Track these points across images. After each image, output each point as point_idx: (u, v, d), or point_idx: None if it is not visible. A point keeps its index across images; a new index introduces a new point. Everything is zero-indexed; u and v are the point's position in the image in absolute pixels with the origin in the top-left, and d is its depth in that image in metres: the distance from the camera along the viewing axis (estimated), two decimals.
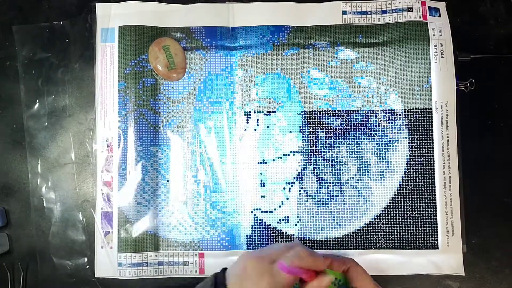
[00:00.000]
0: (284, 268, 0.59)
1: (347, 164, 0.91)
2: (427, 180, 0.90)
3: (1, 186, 0.93)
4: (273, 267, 0.60)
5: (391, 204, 0.90)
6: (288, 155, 0.92)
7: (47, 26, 0.94)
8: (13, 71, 0.94)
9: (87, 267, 0.90)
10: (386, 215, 0.90)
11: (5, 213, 0.91)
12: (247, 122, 0.92)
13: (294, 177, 0.91)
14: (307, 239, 0.90)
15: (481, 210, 0.91)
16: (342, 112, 0.92)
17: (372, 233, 0.90)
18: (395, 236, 0.89)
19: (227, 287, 0.63)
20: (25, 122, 0.92)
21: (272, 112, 0.92)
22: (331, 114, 0.92)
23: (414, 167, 0.90)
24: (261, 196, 0.91)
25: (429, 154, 0.90)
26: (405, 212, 0.90)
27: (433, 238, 0.89)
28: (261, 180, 0.91)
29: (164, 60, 0.90)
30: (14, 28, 0.94)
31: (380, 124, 0.91)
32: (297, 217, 0.90)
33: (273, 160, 0.91)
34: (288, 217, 0.90)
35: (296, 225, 0.90)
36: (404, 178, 0.90)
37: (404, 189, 0.90)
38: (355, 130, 0.91)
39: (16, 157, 0.93)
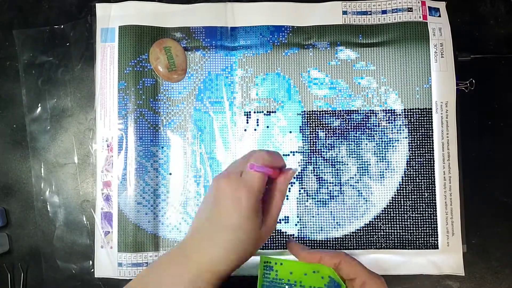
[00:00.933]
0: (253, 167, 0.60)
1: (347, 164, 0.91)
2: (427, 180, 0.90)
3: (1, 186, 0.93)
4: (242, 177, 0.61)
5: (391, 204, 0.90)
6: (288, 155, 0.92)
7: (48, 29, 0.94)
8: (13, 71, 0.94)
9: (89, 267, 0.90)
10: (386, 215, 0.90)
11: (5, 213, 0.91)
12: (247, 122, 0.92)
13: (294, 177, 0.91)
14: (307, 239, 0.90)
15: (481, 210, 0.91)
16: (342, 112, 0.92)
17: (372, 233, 0.90)
18: (395, 236, 0.89)
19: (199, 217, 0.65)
20: (25, 122, 0.92)
21: (272, 112, 0.92)
22: (331, 114, 0.92)
23: (414, 167, 0.90)
24: None
25: (429, 154, 0.90)
26: (405, 212, 0.90)
27: (433, 238, 0.89)
28: None
29: (165, 61, 0.90)
30: (15, 33, 0.94)
31: (380, 124, 0.91)
32: (297, 217, 0.90)
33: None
34: (288, 217, 0.90)
35: (296, 225, 0.90)
36: (404, 178, 0.90)
37: (404, 189, 0.90)
38: (355, 130, 0.91)
39: (16, 157, 0.93)
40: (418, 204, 0.90)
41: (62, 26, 0.95)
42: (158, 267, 0.63)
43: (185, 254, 0.63)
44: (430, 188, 0.90)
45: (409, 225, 0.89)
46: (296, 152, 0.91)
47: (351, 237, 0.90)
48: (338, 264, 0.65)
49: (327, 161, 0.91)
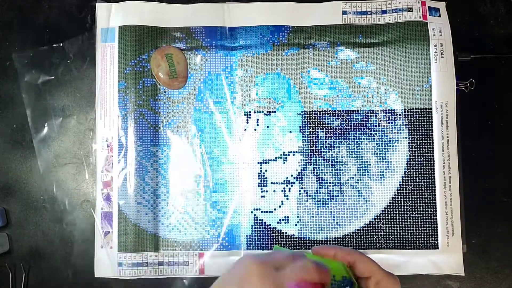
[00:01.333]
0: (300, 286, 0.56)
1: (347, 164, 0.91)
2: (427, 180, 0.90)
3: (1, 186, 0.93)
4: (277, 275, 0.57)
5: (391, 204, 0.90)
6: (288, 155, 0.92)
7: (48, 49, 0.95)
8: (13, 71, 0.94)
9: (89, 267, 0.90)
10: (386, 215, 0.90)
11: (5, 213, 0.91)
12: (247, 122, 0.92)
13: (294, 177, 0.91)
14: (307, 239, 0.90)
15: (481, 210, 0.91)
16: (342, 112, 0.92)
17: (372, 233, 0.90)
18: (395, 236, 0.89)
19: None
20: (25, 122, 0.92)
21: (272, 112, 0.92)
22: (331, 114, 0.92)
23: (414, 167, 0.90)
24: (261, 196, 0.91)
25: (429, 154, 0.90)
26: (405, 212, 0.90)
27: (433, 238, 0.89)
28: (261, 180, 0.91)
29: (166, 68, 0.90)
30: (14, 56, 0.94)
31: (380, 124, 0.91)
32: (297, 217, 0.90)
33: (273, 160, 0.91)
34: (288, 217, 0.90)
35: (296, 225, 0.90)
36: (404, 178, 0.90)
37: (404, 189, 0.90)
38: (355, 130, 0.91)
39: (16, 157, 0.93)
40: (418, 204, 0.90)
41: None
42: None
43: None
44: (430, 188, 0.90)
45: (409, 225, 0.89)
46: (296, 152, 0.91)
47: (351, 237, 0.90)
48: (353, 263, 0.65)
49: (327, 161, 0.91)
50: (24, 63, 0.94)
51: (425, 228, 0.89)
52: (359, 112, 0.92)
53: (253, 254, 0.61)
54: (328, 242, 0.89)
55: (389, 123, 0.91)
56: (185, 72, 0.92)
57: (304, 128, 0.92)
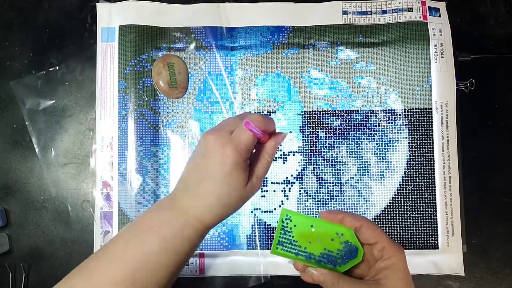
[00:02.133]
0: (248, 125, 0.61)
1: (347, 164, 0.91)
2: (427, 180, 0.90)
3: (1, 186, 0.93)
4: (232, 135, 0.62)
5: (391, 204, 0.90)
6: (288, 155, 0.92)
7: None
8: (13, 71, 0.94)
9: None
10: (386, 215, 0.90)
11: (5, 213, 0.91)
12: None
13: (294, 177, 0.91)
14: None
15: (481, 210, 0.91)
16: (342, 112, 0.92)
17: None
18: (395, 236, 0.89)
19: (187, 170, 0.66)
20: (25, 122, 0.92)
21: (272, 112, 0.92)
22: (331, 114, 0.92)
23: (414, 167, 0.90)
24: (261, 196, 0.91)
25: (429, 154, 0.90)
26: (405, 212, 0.90)
27: (433, 238, 0.89)
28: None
29: (167, 77, 0.90)
30: (13, 84, 0.94)
31: (380, 124, 0.91)
32: None
33: (273, 160, 0.91)
34: None
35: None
36: (404, 178, 0.90)
37: (404, 189, 0.90)
38: (355, 130, 0.91)
39: (16, 157, 0.93)
40: (418, 204, 0.90)
41: (62, 26, 0.95)
42: (149, 213, 0.65)
43: (173, 202, 0.64)
44: (430, 188, 0.90)
45: (409, 225, 0.89)
46: (296, 152, 0.91)
47: None
48: (360, 227, 0.65)
49: (327, 161, 0.91)
50: (24, 63, 0.94)
51: (425, 228, 0.89)
52: (359, 112, 0.92)
53: (207, 130, 0.66)
54: None
55: (389, 123, 0.91)
56: (185, 82, 0.92)
57: (304, 128, 0.92)
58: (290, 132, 0.92)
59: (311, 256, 0.66)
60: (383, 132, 0.91)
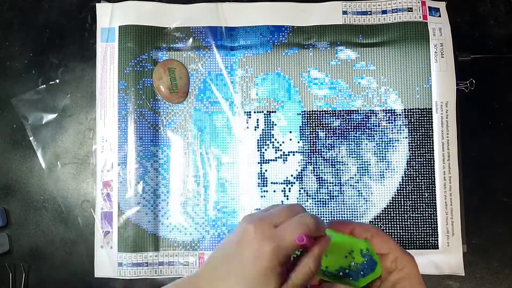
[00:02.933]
0: (301, 239, 0.55)
1: (347, 164, 0.91)
2: (427, 180, 0.90)
3: (1, 186, 0.93)
4: (276, 231, 0.57)
5: (391, 204, 0.90)
6: (288, 155, 0.92)
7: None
8: (13, 71, 0.94)
9: (89, 267, 0.90)
10: (386, 215, 0.90)
11: (5, 213, 0.91)
12: (247, 122, 0.92)
13: (294, 177, 0.91)
14: None
15: (481, 210, 0.91)
16: (342, 112, 0.92)
17: None
18: (395, 236, 0.89)
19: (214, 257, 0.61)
20: (25, 122, 0.92)
21: (272, 112, 0.92)
22: (331, 114, 0.92)
23: (414, 167, 0.90)
24: (261, 196, 0.91)
25: (429, 154, 0.90)
26: (405, 212, 0.90)
27: (433, 238, 0.89)
28: (261, 180, 0.91)
29: (168, 82, 0.90)
30: (13, 101, 0.94)
31: (380, 124, 0.91)
32: None
33: (273, 160, 0.91)
34: None
35: None
36: (404, 178, 0.90)
37: (404, 189, 0.90)
38: (355, 130, 0.91)
39: (16, 157, 0.93)
40: (418, 204, 0.90)
41: (62, 26, 0.95)
42: None
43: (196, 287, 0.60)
44: (430, 188, 0.90)
45: (409, 225, 0.89)
46: (296, 152, 0.91)
47: None
48: (371, 238, 0.64)
49: (327, 161, 0.91)
50: (24, 63, 0.94)
51: (425, 228, 0.89)
52: (359, 112, 0.92)
53: (250, 214, 0.60)
54: None
55: (389, 123, 0.91)
56: (186, 87, 0.92)
57: (304, 128, 0.92)
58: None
59: (328, 270, 0.65)
60: (383, 132, 0.91)
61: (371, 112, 0.91)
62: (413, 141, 0.91)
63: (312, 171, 0.91)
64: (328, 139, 0.91)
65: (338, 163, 0.91)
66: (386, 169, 0.91)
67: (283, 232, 0.56)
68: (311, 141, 0.92)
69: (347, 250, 0.65)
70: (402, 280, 0.62)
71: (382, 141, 0.91)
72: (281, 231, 0.57)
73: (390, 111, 0.91)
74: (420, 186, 0.90)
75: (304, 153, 0.92)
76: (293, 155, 0.92)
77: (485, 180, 0.92)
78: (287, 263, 0.58)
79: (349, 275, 0.64)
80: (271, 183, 0.91)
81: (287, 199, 0.91)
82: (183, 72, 0.92)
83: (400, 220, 0.90)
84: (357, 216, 0.90)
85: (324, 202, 0.91)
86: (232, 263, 0.58)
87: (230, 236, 0.61)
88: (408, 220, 0.89)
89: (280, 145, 0.92)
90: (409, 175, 0.90)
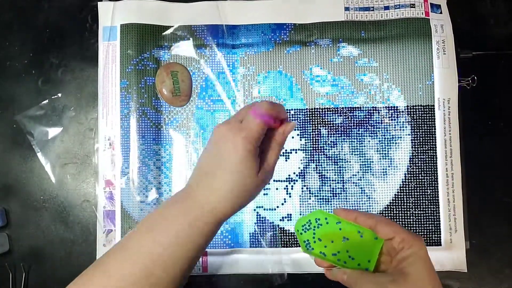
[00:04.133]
0: (256, 114, 0.62)
1: (350, 162, 0.91)
2: (430, 177, 0.90)
3: (1, 186, 0.92)
4: (242, 124, 0.63)
5: (394, 201, 0.90)
6: (291, 152, 0.92)
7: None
8: (13, 71, 0.94)
9: (88, 265, 0.89)
10: (389, 212, 0.90)
11: (4, 213, 0.91)
12: None
13: (297, 175, 0.91)
14: None
15: (481, 210, 0.91)
16: (344, 109, 0.92)
17: None
18: None
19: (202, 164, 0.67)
20: (25, 122, 0.92)
21: None
22: (334, 112, 0.92)
23: (416, 164, 0.90)
24: (264, 194, 0.91)
25: (431, 151, 0.90)
26: (408, 209, 0.90)
27: (436, 235, 0.89)
28: None
29: (170, 86, 0.90)
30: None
31: (382, 121, 0.91)
32: (300, 214, 0.90)
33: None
34: (290, 214, 0.90)
35: None
36: (406, 175, 0.90)
37: (407, 186, 0.90)
38: (357, 127, 0.91)
39: (16, 157, 0.92)
40: (421, 201, 0.90)
41: (62, 26, 0.95)
42: (163, 208, 0.65)
43: (188, 194, 0.64)
44: (433, 185, 0.90)
45: (412, 222, 0.89)
46: (299, 149, 0.91)
47: None
48: (375, 226, 0.66)
49: (330, 158, 0.91)
50: (24, 63, 0.94)
51: (428, 225, 0.89)
52: (361, 109, 0.92)
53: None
54: None
55: (391, 120, 0.91)
56: (188, 91, 0.92)
57: (306, 125, 0.92)
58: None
59: (336, 255, 0.68)
60: (385, 129, 0.91)
61: (374, 109, 0.92)
62: (415, 138, 0.91)
63: (315, 169, 0.91)
64: (331, 137, 0.91)
65: (341, 160, 0.91)
66: (388, 166, 0.91)
67: (248, 121, 0.62)
68: (314, 138, 0.92)
69: (354, 234, 0.68)
70: (408, 257, 0.64)
71: (384, 138, 0.91)
72: (245, 122, 0.63)
73: (392, 108, 0.91)
74: (423, 183, 0.90)
75: (307, 151, 0.92)
76: (296, 152, 0.92)
77: (486, 180, 0.92)
78: (260, 146, 0.64)
79: (355, 258, 0.68)
80: (274, 180, 0.91)
81: (290, 196, 0.91)
82: (186, 75, 0.92)
83: (403, 217, 0.90)
84: None
85: (327, 200, 0.90)
86: (214, 160, 0.64)
87: (207, 144, 0.67)
88: (411, 217, 0.90)
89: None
90: (411, 172, 0.90)
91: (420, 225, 0.89)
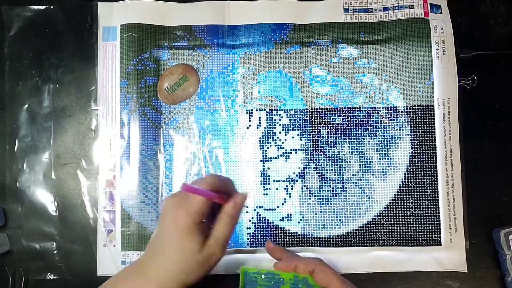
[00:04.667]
0: (187, 188, 0.62)
1: (350, 162, 0.91)
2: (430, 177, 0.90)
3: (1, 186, 0.92)
4: (185, 198, 0.64)
5: (394, 201, 0.90)
6: (291, 152, 0.92)
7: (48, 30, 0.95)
8: (13, 71, 0.94)
9: (91, 266, 0.90)
10: (389, 212, 0.90)
11: (3, 213, 0.91)
12: (249, 120, 0.92)
13: (297, 175, 0.91)
14: (310, 236, 0.90)
15: (482, 210, 0.91)
16: (344, 109, 0.92)
17: (375, 230, 0.90)
18: (398, 233, 0.89)
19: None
20: (25, 122, 0.92)
21: (274, 110, 0.92)
22: (333, 112, 0.92)
23: (416, 164, 0.91)
24: (264, 194, 0.91)
25: (431, 151, 0.90)
26: (408, 209, 0.90)
27: (436, 235, 0.89)
28: (264, 178, 0.91)
29: (172, 82, 0.91)
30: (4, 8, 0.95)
31: (382, 122, 0.91)
32: (300, 214, 0.90)
33: (276, 158, 0.91)
34: (290, 214, 0.90)
35: (299, 222, 0.90)
36: (406, 175, 0.91)
37: (407, 186, 0.90)
38: (357, 127, 0.91)
39: (16, 157, 0.92)
40: (421, 201, 0.90)
41: (62, 26, 0.95)
42: (117, 280, 0.67)
43: (141, 269, 0.66)
44: (433, 185, 0.90)
45: (412, 222, 0.90)
46: (298, 150, 0.92)
47: (354, 234, 0.90)
48: (313, 272, 0.67)
49: (330, 158, 0.91)
50: (24, 63, 0.94)
51: (427, 225, 0.89)
52: (361, 109, 0.92)
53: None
54: (331, 239, 0.89)
55: (391, 120, 0.91)
56: (179, 99, 0.92)
57: (306, 126, 0.92)
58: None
59: None
60: (385, 129, 0.91)
61: (373, 109, 0.92)
62: (415, 138, 0.91)
63: (315, 169, 0.91)
64: (330, 137, 0.91)
65: (341, 160, 0.91)
66: (388, 166, 0.91)
67: (190, 195, 0.63)
68: (313, 138, 0.92)
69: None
70: None
71: (384, 138, 0.91)
72: (189, 196, 0.63)
73: (392, 108, 0.92)
74: (423, 183, 0.90)
75: (307, 151, 0.92)
76: (296, 153, 0.92)
77: (486, 180, 0.92)
78: (206, 222, 0.66)
79: None
80: (274, 181, 0.91)
81: (290, 196, 0.91)
82: (193, 87, 0.92)
83: (403, 217, 0.90)
84: (359, 214, 0.90)
85: (326, 200, 0.91)
86: (160, 235, 0.65)
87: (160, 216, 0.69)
88: (411, 217, 0.90)
89: (282, 143, 0.92)
90: (411, 172, 0.91)
91: (420, 225, 0.89)
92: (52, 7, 0.95)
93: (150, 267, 0.64)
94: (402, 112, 0.91)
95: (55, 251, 0.91)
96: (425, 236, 0.89)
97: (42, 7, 0.95)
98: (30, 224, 0.91)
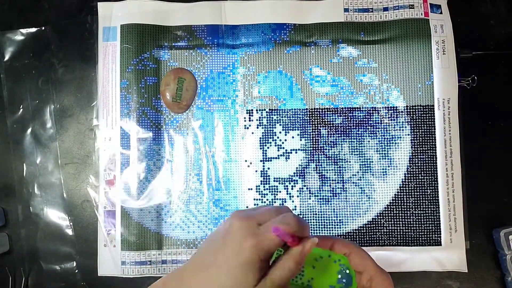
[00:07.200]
0: (277, 231, 0.57)
1: (350, 162, 0.91)
2: (430, 177, 0.90)
3: (1, 186, 0.92)
4: (259, 229, 0.59)
5: (394, 201, 0.90)
6: (291, 152, 0.92)
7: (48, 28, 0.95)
8: (13, 71, 0.94)
9: (91, 266, 0.90)
10: (389, 212, 0.90)
11: (3, 213, 0.91)
12: (250, 120, 0.92)
13: (297, 175, 0.91)
14: (310, 236, 0.89)
15: (482, 210, 0.91)
16: (344, 109, 0.92)
17: (375, 230, 0.90)
18: (398, 233, 0.89)
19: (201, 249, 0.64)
20: (25, 122, 0.92)
21: (274, 110, 0.92)
22: (333, 112, 0.92)
23: (416, 164, 0.91)
24: (264, 194, 0.91)
25: (431, 151, 0.90)
26: (408, 209, 0.90)
27: (436, 235, 0.89)
28: (264, 178, 0.91)
29: (173, 91, 0.91)
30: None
31: (382, 121, 0.91)
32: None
33: (276, 158, 0.91)
34: None
35: None
36: (406, 175, 0.91)
37: (407, 186, 0.90)
38: (357, 127, 0.91)
39: (16, 157, 0.92)
40: (421, 201, 0.90)
41: (62, 26, 0.95)
42: None
43: (182, 281, 0.62)
44: (433, 185, 0.90)
45: (412, 222, 0.90)
46: (299, 150, 0.92)
47: (354, 234, 0.90)
48: (349, 254, 0.65)
49: (330, 158, 0.91)
50: (24, 63, 0.94)
51: (428, 225, 0.89)
52: (361, 109, 0.92)
53: (239, 210, 0.63)
54: None
55: (391, 120, 0.91)
56: (190, 100, 0.92)
57: (306, 125, 0.92)
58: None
59: (310, 284, 0.66)
60: (385, 129, 0.91)
61: (373, 109, 0.92)
62: (415, 138, 0.91)
63: (315, 169, 0.91)
64: (330, 137, 0.91)
65: (341, 160, 0.91)
66: (388, 166, 0.91)
67: (265, 230, 0.58)
68: (314, 138, 0.92)
69: (329, 263, 0.66)
70: None
71: (384, 138, 0.91)
72: (263, 228, 0.59)
73: (392, 108, 0.91)
74: (423, 183, 0.90)
75: (307, 151, 0.92)
76: (296, 153, 0.92)
77: (486, 180, 0.92)
78: (268, 261, 0.60)
79: None
80: (274, 180, 0.91)
81: (290, 196, 0.91)
82: (192, 85, 0.92)
83: (403, 217, 0.90)
84: (360, 214, 0.90)
85: (326, 200, 0.91)
86: (216, 255, 0.60)
87: (218, 229, 0.63)
88: (411, 217, 0.90)
89: (283, 143, 0.92)
90: (411, 172, 0.91)
91: (420, 225, 0.89)
92: (52, 7, 0.95)
93: (194, 281, 0.61)
94: (402, 112, 0.91)
95: (55, 252, 0.91)
96: (425, 236, 0.89)
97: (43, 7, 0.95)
98: (30, 224, 0.91)
